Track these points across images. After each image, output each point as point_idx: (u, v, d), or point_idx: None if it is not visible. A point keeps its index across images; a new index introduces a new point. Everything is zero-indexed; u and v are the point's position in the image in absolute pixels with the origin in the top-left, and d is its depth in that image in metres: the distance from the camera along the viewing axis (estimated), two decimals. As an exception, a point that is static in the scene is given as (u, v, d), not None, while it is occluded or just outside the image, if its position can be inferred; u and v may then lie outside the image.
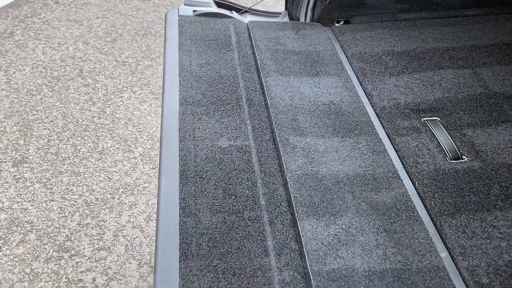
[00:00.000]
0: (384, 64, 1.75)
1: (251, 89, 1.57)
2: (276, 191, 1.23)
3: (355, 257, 1.08)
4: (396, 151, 1.40)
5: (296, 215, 1.15)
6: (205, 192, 1.18)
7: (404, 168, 1.34)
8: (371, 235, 1.13)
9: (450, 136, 1.45)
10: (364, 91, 1.63)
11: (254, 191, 1.21)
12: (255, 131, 1.40)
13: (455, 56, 1.81)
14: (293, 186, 1.23)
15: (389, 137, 1.45)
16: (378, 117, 1.52)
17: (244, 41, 1.83)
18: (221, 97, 1.50)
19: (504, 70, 1.74)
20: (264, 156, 1.32)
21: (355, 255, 1.08)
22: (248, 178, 1.24)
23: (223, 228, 1.10)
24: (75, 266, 2.26)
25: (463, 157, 1.39)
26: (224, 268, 1.02)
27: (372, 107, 1.56)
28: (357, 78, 1.69)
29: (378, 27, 1.99)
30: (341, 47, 1.86)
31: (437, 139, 1.43)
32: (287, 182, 1.24)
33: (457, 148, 1.40)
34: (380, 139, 1.42)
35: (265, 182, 1.24)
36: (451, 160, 1.37)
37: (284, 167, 1.28)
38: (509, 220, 1.20)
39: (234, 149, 1.31)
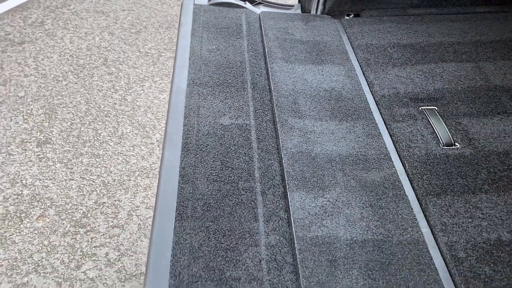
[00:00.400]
0: (388, 55, 1.81)
1: (257, 74, 1.65)
2: (271, 166, 1.30)
3: (339, 227, 1.15)
4: (390, 136, 1.46)
5: (287, 188, 1.23)
6: (204, 163, 1.27)
7: (397, 151, 1.40)
8: (357, 209, 1.20)
9: (446, 124, 1.50)
10: (366, 79, 1.69)
11: (250, 165, 1.29)
12: (257, 111, 1.48)
13: (459, 50, 1.85)
14: (287, 161, 1.30)
15: (385, 123, 1.51)
16: (376, 104, 1.58)
17: (254, 30, 1.91)
18: (227, 80, 1.59)
19: (507, 65, 1.77)
20: (262, 134, 1.40)
21: (339, 225, 1.15)
22: (246, 153, 1.32)
23: (218, 195, 1.19)
24: (90, 241, 2.38)
25: (456, 144, 1.44)
26: (215, 229, 1.11)
27: (372, 94, 1.62)
28: (361, 68, 1.75)
29: (386, 21, 2.04)
30: (348, 38, 1.92)
31: (432, 126, 1.49)
32: (282, 158, 1.32)
33: (451, 136, 1.45)
34: (376, 124, 1.49)
35: (261, 157, 1.32)
36: (443, 146, 1.43)
37: (281, 145, 1.36)
38: (493, 202, 1.25)
39: (235, 127, 1.40)
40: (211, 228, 1.10)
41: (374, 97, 1.61)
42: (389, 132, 1.47)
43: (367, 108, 1.54)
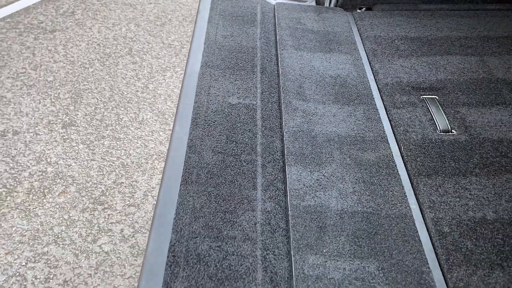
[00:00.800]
0: (395, 47, 1.87)
1: (267, 60, 1.74)
2: (273, 143, 1.40)
3: (331, 199, 1.23)
4: (389, 120, 1.53)
5: (286, 162, 1.32)
6: (210, 136, 1.37)
7: (394, 135, 1.47)
8: (350, 184, 1.28)
9: (445, 112, 1.56)
10: (371, 68, 1.76)
11: (253, 140, 1.38)
12: (263, 93, 1.57)
13: (465, 44, 1.90)
14: (288, 139, 1.39)
15: (385, 109, 1.58)
16: (379, 91, 1.65)
17: (268, 20, 2.00)
18: (238, 64, 1.68)
19: None
20: (267, 114, 1.49)
21: (331, 197, 1.23)
22: (250, 130, 1.42)
23: (221, 165, 1.28)
24: (107, 217, 2.51)
25: (453, 131, 1.50)
26: (216, 194, 1.20)
27: (376, 82, 1.69)
28: (367, 58, 1.83)
29: (397, 14, 2.10)
30: (358, 30, 2.00)
31: (431, 113, 1.55)
32: (284, 136, 1.41)
33: (448, 123, 1.52)
34: (377, 109, 1.56)
35: (264, 134, 1.42)
36: (440, 132, 1.49)
37: (283, 124, 1.45)
38: (482, 185, 1.31)
39: (242, 106, 1.49)
40: (213, 193, 1.20)
41: (377, 85, 1.68)
42: (388, 117, 1.54)
43: (369, 95, 1.62)
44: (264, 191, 1.23)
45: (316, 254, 1.08)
